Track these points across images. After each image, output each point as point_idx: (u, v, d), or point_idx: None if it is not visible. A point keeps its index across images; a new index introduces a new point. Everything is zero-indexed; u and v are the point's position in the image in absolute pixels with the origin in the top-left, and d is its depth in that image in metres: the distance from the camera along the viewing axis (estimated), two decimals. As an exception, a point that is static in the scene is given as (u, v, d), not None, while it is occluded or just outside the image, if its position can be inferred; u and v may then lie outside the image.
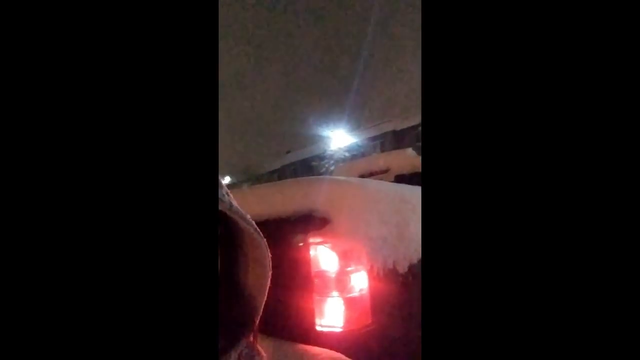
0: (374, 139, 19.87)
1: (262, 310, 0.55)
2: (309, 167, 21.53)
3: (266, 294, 0.55)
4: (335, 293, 1.61)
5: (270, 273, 0.54)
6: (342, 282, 1.60)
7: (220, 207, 0.46)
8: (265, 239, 0.52)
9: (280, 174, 23.79)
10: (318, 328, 1.63)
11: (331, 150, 20.15)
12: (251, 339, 0.54)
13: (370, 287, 1.64)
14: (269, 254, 0.53)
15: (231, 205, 0.47)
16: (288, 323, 1.67)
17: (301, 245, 1.68)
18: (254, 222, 0.50)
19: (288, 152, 26.99)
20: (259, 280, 0.55)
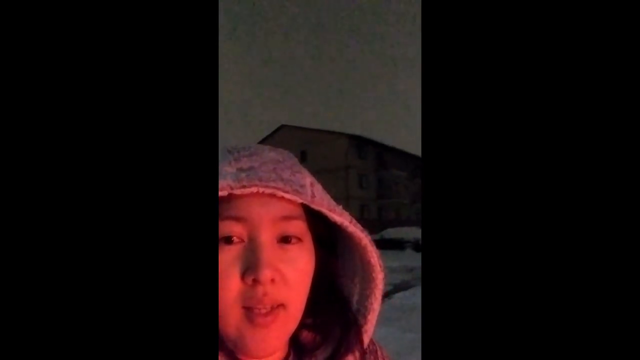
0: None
1: (373, 314, 0.49)
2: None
3: (380, 296, 0.48)
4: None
5: (382, 275, 0.48)
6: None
7: (313, 206, 0.43)
8: (370, 237, 0.46)
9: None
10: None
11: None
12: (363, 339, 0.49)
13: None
14: (377, 253, 0.47)
15: (339, 208, 0.45)
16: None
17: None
18: (360, 225, 0.46)
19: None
20: (368, 283, 0.48)
